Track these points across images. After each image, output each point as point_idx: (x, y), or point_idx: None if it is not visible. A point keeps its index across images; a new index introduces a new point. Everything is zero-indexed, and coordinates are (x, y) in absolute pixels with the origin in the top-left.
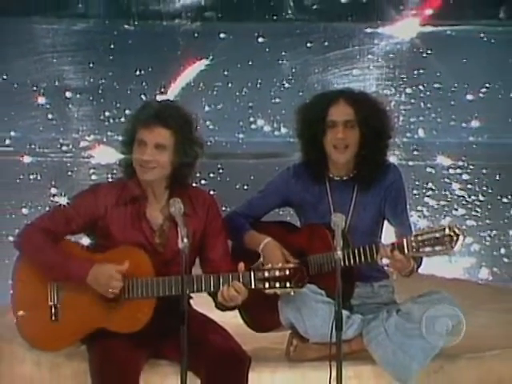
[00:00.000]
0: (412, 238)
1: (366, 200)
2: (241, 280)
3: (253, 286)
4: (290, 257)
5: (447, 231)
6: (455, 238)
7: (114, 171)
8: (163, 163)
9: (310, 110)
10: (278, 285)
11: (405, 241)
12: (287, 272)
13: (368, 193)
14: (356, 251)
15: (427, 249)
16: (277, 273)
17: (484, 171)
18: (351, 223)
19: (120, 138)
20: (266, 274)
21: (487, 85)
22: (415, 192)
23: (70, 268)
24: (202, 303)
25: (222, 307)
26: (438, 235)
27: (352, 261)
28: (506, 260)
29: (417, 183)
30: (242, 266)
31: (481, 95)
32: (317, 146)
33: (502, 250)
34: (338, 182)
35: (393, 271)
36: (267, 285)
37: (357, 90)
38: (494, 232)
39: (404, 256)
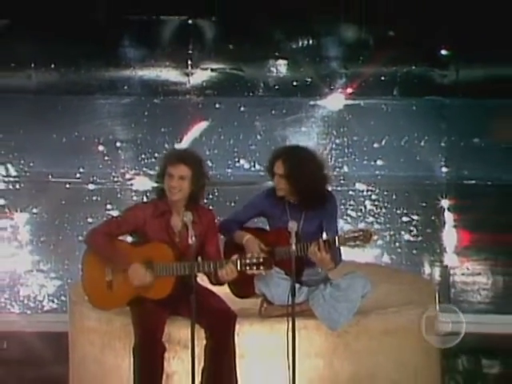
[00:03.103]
0: (342, 235)
1: (311, 216)
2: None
3: (239, 269)
4: (263, 246)
5: (366, 232)
6: (369, 236)
7: (148, 194)
8: (184, 188)
9: (268, 161)
10: (254, 268)
11: (337, 237)
12: (261, 260)
13: (312, 211)
14: (303, 246)
15: (351, 243)
16: (254, 260)
17: (385, 193)
18: (302, 230)
19: (151, 172)
20: (248, 261)
21: (386, 137)
22: (342, 207)
23: (118, 260)
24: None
25: (214, 283)
26: (358, 234)
27: (301, 252)
28: (399, 250)
29: (343, 201)
30: (235, 256)
31: (382, 144)
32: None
33: (397, 244)
34: (292, 204)
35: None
36: (248, 268)
37: (296, 148)
38: (392, 232)
39: (328, 255)
